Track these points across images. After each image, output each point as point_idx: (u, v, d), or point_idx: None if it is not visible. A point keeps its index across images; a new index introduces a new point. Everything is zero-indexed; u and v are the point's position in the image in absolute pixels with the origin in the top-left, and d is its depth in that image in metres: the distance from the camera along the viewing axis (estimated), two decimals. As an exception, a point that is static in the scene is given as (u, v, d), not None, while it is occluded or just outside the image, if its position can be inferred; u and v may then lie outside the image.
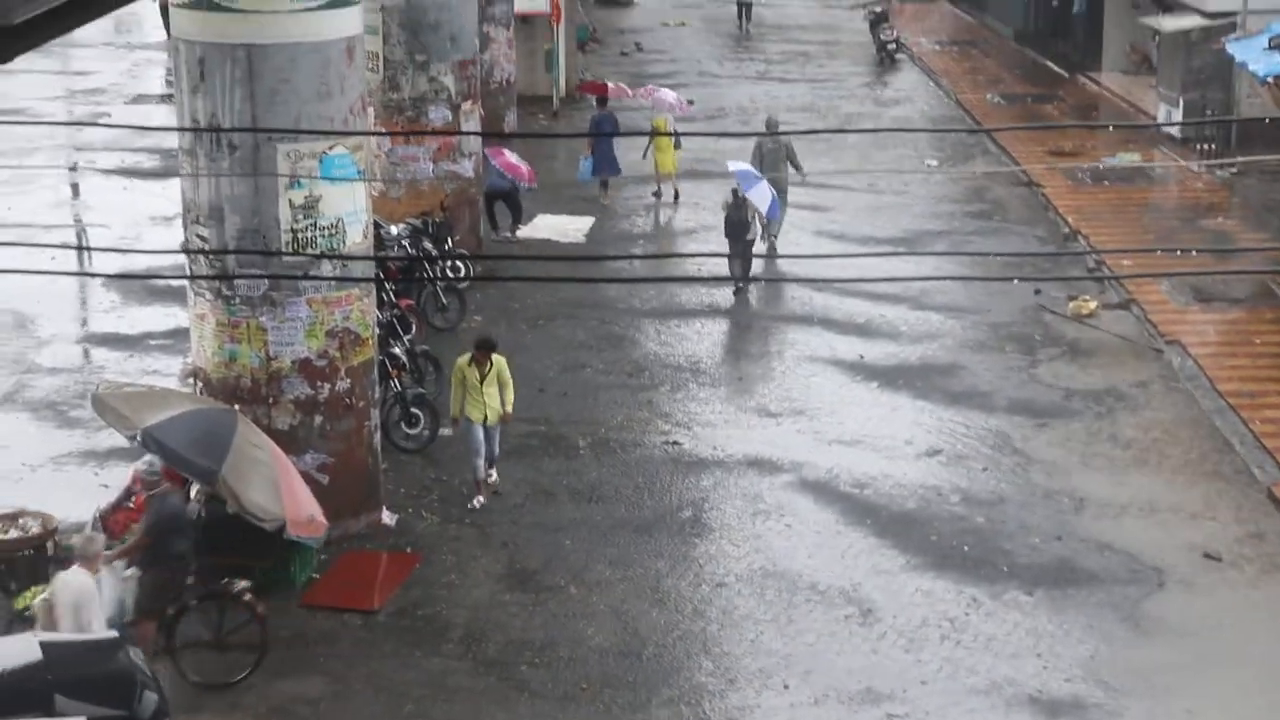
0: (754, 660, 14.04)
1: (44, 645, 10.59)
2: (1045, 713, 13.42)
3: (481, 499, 16.93)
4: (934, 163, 31.54)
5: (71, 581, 12.40)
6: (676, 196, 28.19)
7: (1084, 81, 37.61)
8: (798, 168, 25.96)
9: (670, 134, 26.21)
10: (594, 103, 30.36)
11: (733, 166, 24.26)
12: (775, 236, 25.12)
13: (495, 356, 16.86)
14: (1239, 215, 27.28)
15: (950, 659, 14.16)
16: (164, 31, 29.42)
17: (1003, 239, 26.41)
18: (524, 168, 25.32)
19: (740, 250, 23.26)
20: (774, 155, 25.64)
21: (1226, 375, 20.30)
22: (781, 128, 26.67)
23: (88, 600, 12.27)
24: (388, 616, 14.83)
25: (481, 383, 16.74)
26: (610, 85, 30.58)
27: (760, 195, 23.23)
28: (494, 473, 17.25)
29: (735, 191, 23.46)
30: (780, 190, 24.81)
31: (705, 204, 27.47)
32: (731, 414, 19.44)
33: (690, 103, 32.16)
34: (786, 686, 13.69)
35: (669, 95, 29.63)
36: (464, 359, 16.94)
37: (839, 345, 21.62)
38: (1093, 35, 38.56)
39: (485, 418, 16.82)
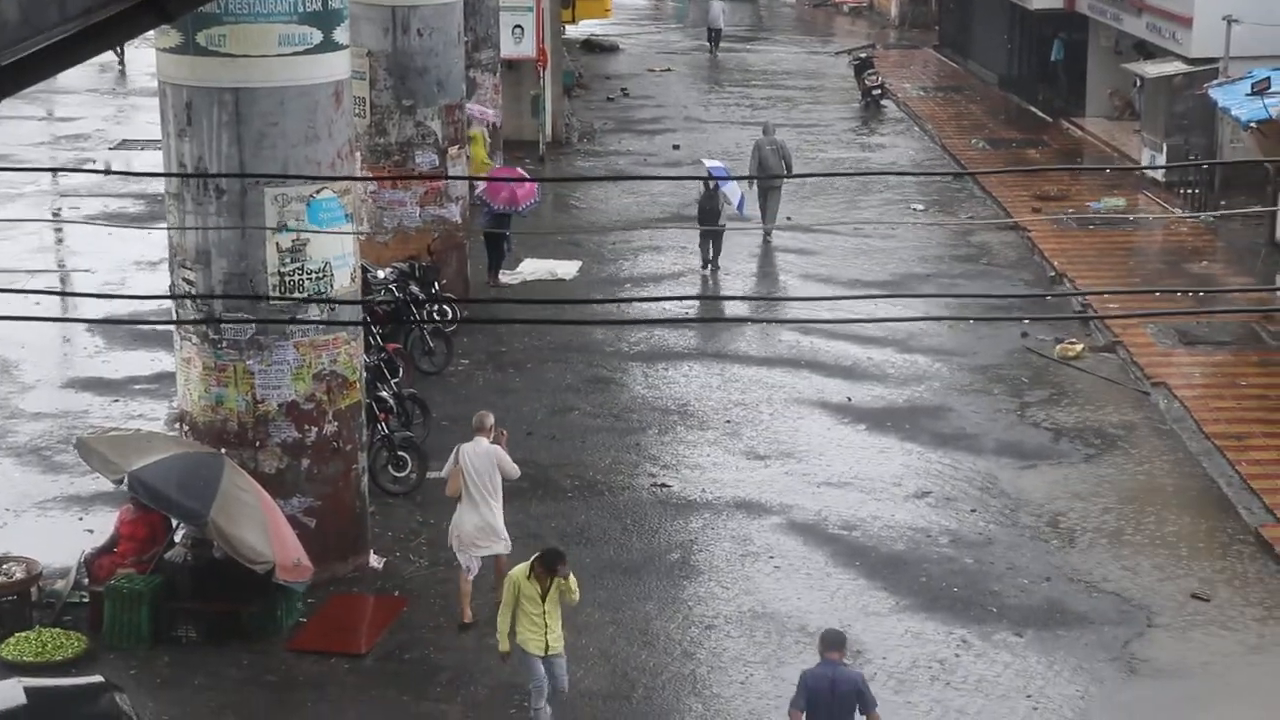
0: (744, 702, 13.97)
1: (27, 690, 10.49)
2: (1036, 755, 13.36)
3: None
4: (920, 208, 31.64)
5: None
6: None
7: (1068, 127, 37.79)
8: (789, 168, 28.77)
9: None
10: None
11: (708, 164, 28.07)
12: (769, 233, 28.51)
13: (560, 574, 13.27)
14: (1223, 259, 27.39)
15: (940, 700, 14.11)
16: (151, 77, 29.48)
17: (989, 282, 26.44)
18: (521, 190, 24.86)
19: (712, 234, 26.55)
20: (773, 155, 28.85)
21: (1213, 417, 20.32)
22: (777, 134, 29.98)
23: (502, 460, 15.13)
24: (375, 660, 14.75)
25: (544, 601, 13.26)
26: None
27: (731, 190, 27.02)
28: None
29: (708, 183, 26.54)
30: (775, 188, 28.57)
31: (692, 248, 27.49)
32: (720, 456, 19.41)
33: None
34: (776, 729, 13.62)
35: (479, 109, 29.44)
36: (520, 572, 13.31)
37: (827, 387, 21.62)
38: (1076, 81, 38.77)
39: (546, 648, 13.31)
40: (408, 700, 14.08)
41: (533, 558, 13.36)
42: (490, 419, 15.67)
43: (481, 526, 15.30)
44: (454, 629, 15.23)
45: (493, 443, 15.43)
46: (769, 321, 24.21)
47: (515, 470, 15.56)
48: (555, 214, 29.75)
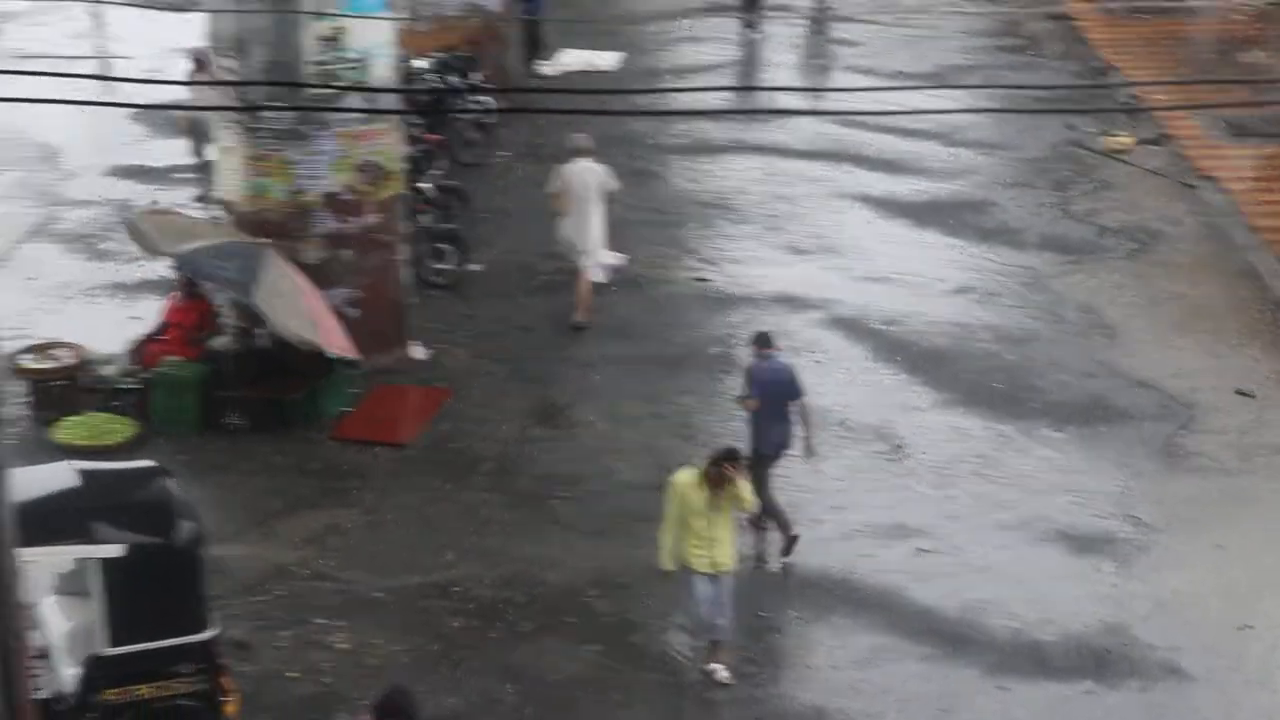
0: (783, 495, 14.07)
1: (81, 473, 10.66)
2: (1075, 548, 13.49)
3: (722, 671, 11.80)
4: (966, -5, 30.94)
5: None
6: None
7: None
8: None
9: None
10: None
11: None
12: None
13: (734, 474, 11.61)
14: (1276, 48, 26.79)
15: (980, 495, 14.21)
16: None
17: (1035, 73, 26.00)
18: None
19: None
20: None
21: (1261, 211, 20.10)
22: None
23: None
24: (418, 450, 14.91)
25: (714, 510, 11.58)
26: None
27: None
28: (721, 667, 11.80)
29: None
30: None
31: (730, 35, 27.03)
32: (761, 251, 19.32)
33: None
34: (816, 521, 13.76)
35: None
36: (686, 476, 11.64)
37: (869, 182, 21.41)
38: None
39: (714, 564, 11.68)
40: (450, 489, 14.26)
41: (702, 462, 11.75)
42: (589, 140, 17.34)
43: (577, 239, 17.19)
44: (496, 420, 15.35)
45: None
46: (811, 114, 23.88)
47: (615, 183, 17.50)
48: (594, 4, 29.23)
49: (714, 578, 11.62)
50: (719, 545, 11.58)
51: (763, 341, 13.75)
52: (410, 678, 10.91)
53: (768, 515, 13.33)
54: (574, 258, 17.36)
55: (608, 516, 13.84)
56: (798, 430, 13.43)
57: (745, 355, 14.86)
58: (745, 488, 11.65)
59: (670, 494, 11.63)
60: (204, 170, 19.84)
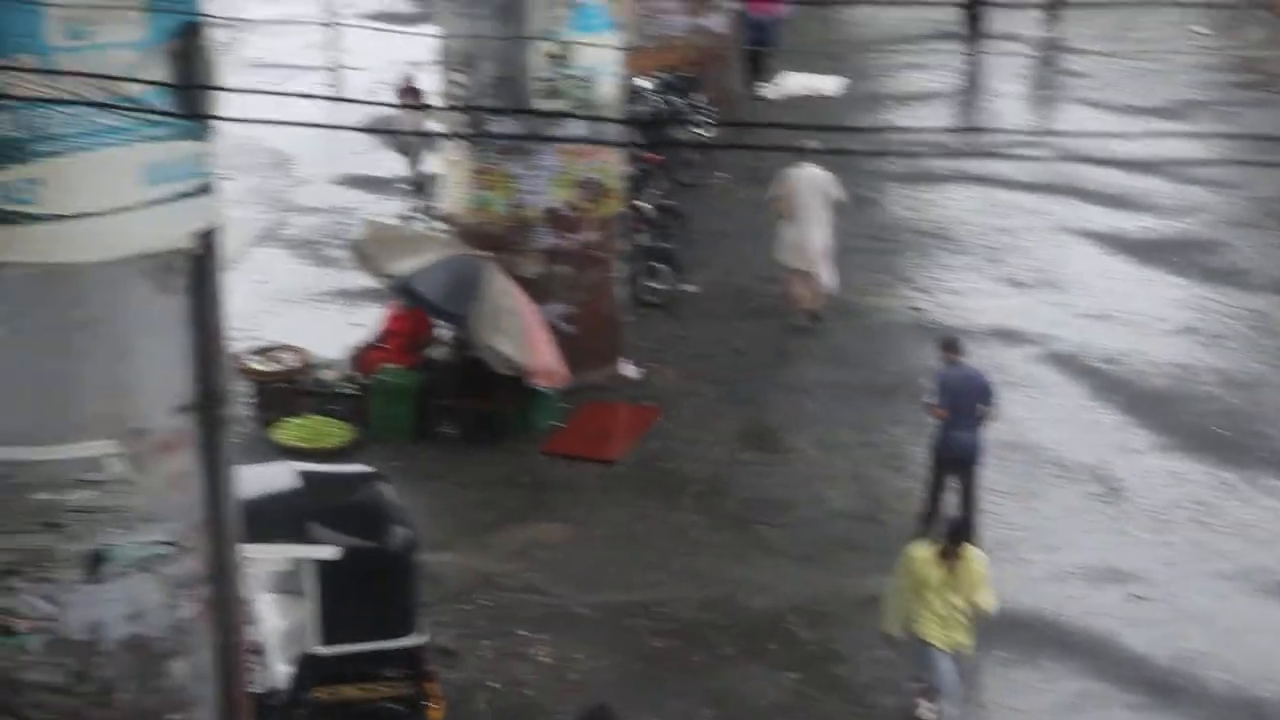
0: (992, 532, 13.81)
1: (302, 474, 10.87)
2: (1298, 603, 13.00)
3: (929, 710, 11.41)
4: (1202, 30, 30.18)
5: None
6: None
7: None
8: None
9: None
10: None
11: None
12: None
13: (970, 550, 11.17)
14: None
15: (1199, 543, 13.77)
16: None
17: (1273, 112, 25.22)
18: None
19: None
20: None
21: None
22: None
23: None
24: (627, 468, 14.96)
25: (948, 587, 11.03)
26: None
27: None
28: (928, 705, 11.40)
29: None
30: None
31: (954, 62, 26.74)
32: (978, 282, 19.04)
33: None
34: (1026, 560, 13.48)
35: None
36: (921, 552, 11.13)
37: (1092, 216, 20.97)
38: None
39: (950, 641, 11.14)
40: (658, 509, 14.27)
41: (938, 538, 11.22)
42: (817, 144, 16.97)
43: (800, 244, 17.14)
44: (706, 442, 15.33)
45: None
46: (1035, 152, 23.48)
47: (841, 193, 17.48)
48: (819, 28, 29.15)
49: (951, 653, 11.12)
50: (956, 623, 11.06)
51: (951, 347, 13.74)
52: (611, 695, 10.92)
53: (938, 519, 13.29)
54: (793, 264, 17.43)
55: (815, 544, 13.72)
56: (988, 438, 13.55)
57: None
58: (983, 574, 11.06)
59: (903, 566, 11.15)
60: (417, 185, 20.28)
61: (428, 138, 20.04)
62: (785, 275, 17.73)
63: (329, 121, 20.93)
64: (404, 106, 19.50)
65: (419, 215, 19.95)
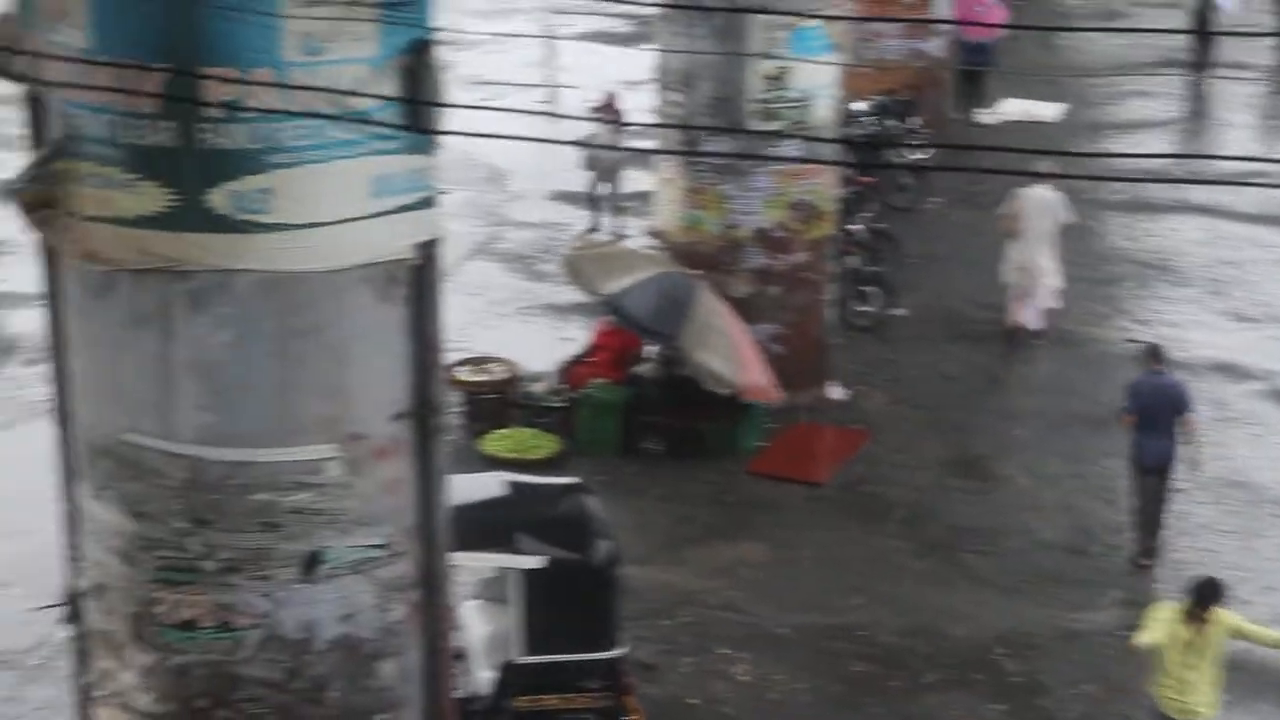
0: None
1: (510, 484, 11.02)
2: None
3: None
4: None
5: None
6: None
7: None
8: None
9: None
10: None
11: None
12: None
13: (1220, 613, 10.23)
14: None
15: None
16: None
17: None
18: (991, 17, 24.03)
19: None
20: None
21: None
22: None
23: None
24: (832, 490, 14.87)
25: (1195, 651, 10.18)
26: None
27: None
28: None
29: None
30: None
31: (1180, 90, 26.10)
32: (1200, 315, 18.56)
33: None
34: (1246, 602, 13.06)
35: None
36: (1165, 612, 10.29)
37: (1325, 250, 20.33)
38: None
39: (1187, 712, 10.30)
40: (862, 533, 14.16)
41: (1185, 598, 10.35)
42: (1051, 166, 16.70)
43: (1025, 265, 17.14)
44: (913, 467, 15.18)
45: None
46: (1263, 180, 22.81)
47: (1071, 216, 17.50)
48: (1039, 53, 28.70)
49: None
50: (1193, 689, 10.22)
51: (1152, 355, 13.67)
52: (810, 717, 10.86)
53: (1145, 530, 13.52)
54: (1017, 283, 17.42)
55: (1022, 574, 13.48)
56: (1181, 449, 13.38)
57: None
58: (1242, 627, 10.29)
59: (1152, 622, 10.30)
60: (599, 200, 20.55)
61: (620, 156, 20.29)
62: (1008, 294, 17.53)
63: (544, 138, 21.31)
64: (604, 121, 19.74)
65: (602, 231, 20.19)
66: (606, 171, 20.68)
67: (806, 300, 16.23)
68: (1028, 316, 17.50)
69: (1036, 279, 17.35)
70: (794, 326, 16.13)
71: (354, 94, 7.06)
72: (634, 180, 22.15)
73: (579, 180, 22.52)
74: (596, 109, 20.61)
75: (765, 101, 15.49)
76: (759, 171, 15.71)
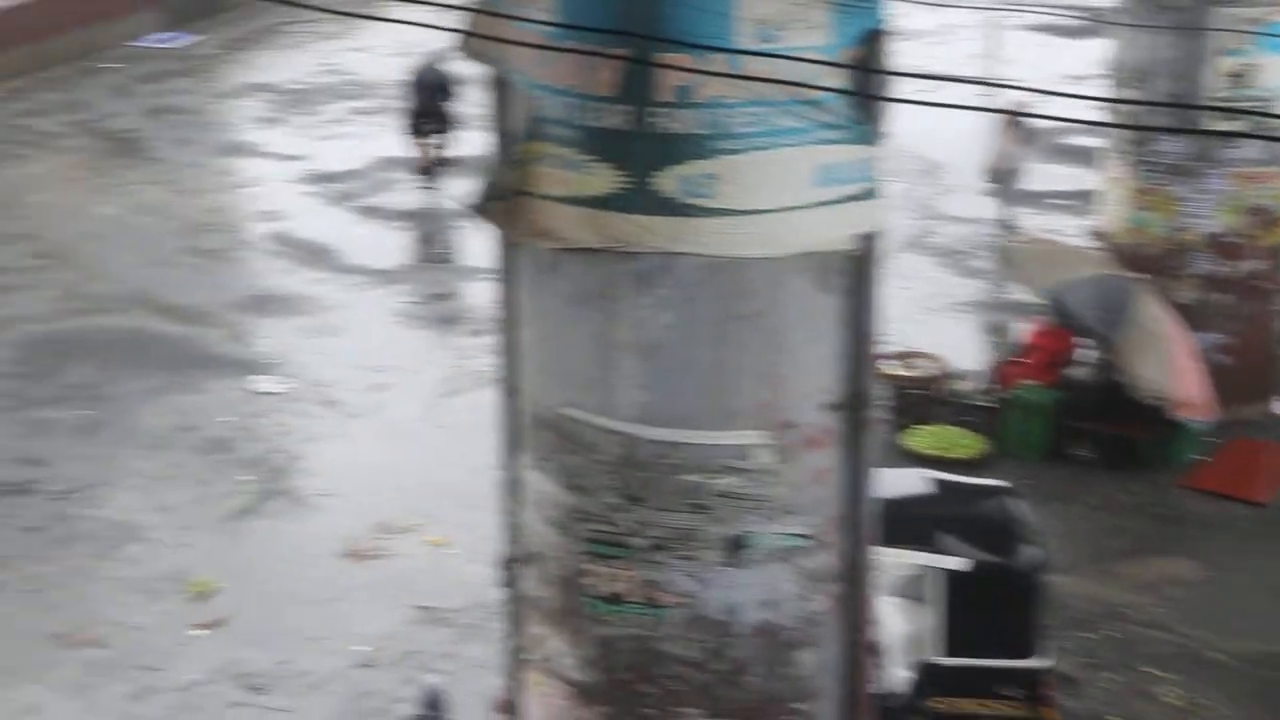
0: None
1: (937, 482, 10.88)
2: None
3: None
4: None
5: None
6: None
7: None
8: None
9: None
10: None
11: None
12: None
13: None
14: None
15: None
16: None
17: None
18: None
19: None
20: None
21: None
22: None
23: None
24: (1275, 511, 14.11)
25: None
26: None
27: None
28: None
29: None
30: None
31: None
32: None
33: None
34: None
35: None
36: None
37: None
38: None
39: None
40: (1308, 559, 13.40)
41: None
42: None
43: None
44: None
45: None
46: None
47: None
48: None
49: None
50: None
51: None
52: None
53: None
54: None
55: None
56: None
57: None
58: None
59: None
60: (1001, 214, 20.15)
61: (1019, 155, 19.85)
62: None
63: (984, 133, 20.94)
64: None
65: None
66: (1005, 174, 20.31)
67: (1257, 310, 15.48)
68: None
69: None
70: (1241, 337, 15.41)
71: (808, 86, 7.03)
72: (1074, 179, 21.58)
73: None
74: (1007, 124, 20.18)
75: (1224, 100, 14.79)
76: (1214, 173, 15.05)
